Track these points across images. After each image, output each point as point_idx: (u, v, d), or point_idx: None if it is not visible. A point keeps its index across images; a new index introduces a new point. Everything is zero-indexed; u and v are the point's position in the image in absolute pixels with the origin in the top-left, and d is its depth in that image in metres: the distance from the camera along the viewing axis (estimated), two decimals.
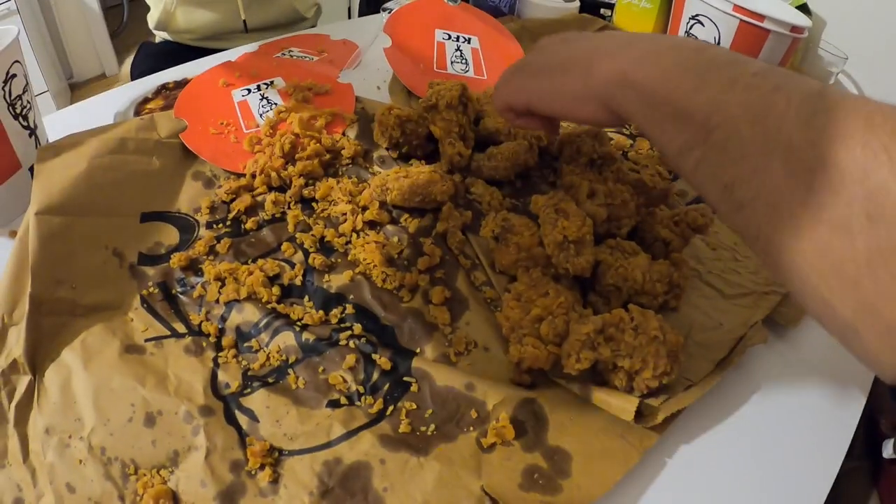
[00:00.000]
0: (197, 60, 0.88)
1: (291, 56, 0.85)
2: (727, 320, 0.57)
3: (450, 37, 0.87)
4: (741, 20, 0.83)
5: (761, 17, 0.82)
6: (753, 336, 0.55)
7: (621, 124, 0.51)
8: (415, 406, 0.48)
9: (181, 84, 0.80)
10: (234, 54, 0.87)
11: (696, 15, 0.88)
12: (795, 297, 0.36)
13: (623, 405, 0.47)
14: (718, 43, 0.88)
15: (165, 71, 0.86)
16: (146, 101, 0.80)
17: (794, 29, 0.84)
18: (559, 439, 0.47)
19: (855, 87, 0.96)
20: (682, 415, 0.49)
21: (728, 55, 0.39)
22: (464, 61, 0.85)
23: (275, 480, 0.45)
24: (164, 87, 0.82)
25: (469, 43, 0.87)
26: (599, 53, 0.45)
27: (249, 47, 0.90)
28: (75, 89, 2.52)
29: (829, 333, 0.35)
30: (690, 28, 0.90)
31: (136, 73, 1.17)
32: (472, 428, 0.47)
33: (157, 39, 1.28)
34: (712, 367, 0.53)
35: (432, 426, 0.47)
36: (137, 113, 0.78)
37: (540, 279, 0.52)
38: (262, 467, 0.45)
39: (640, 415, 0.48)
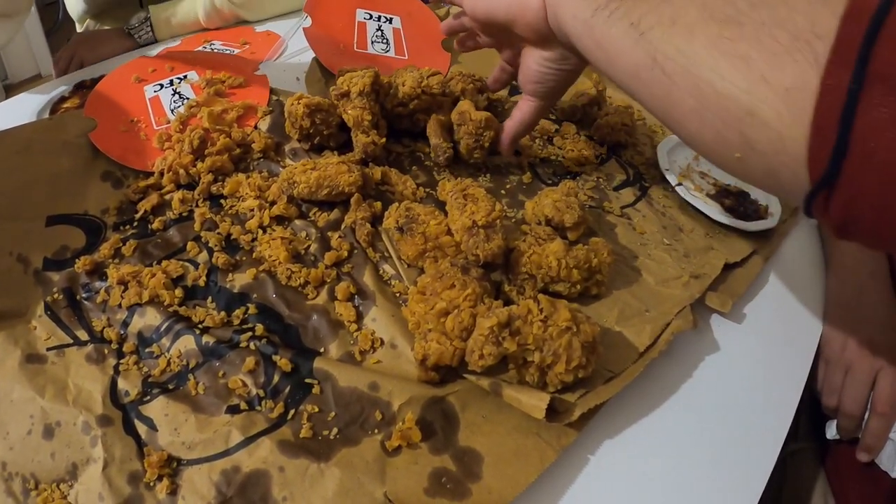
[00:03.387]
0: (118, 56, 0.85)
1: (213, 49, 0.83)
2: (654, 306, 0.55)
3: (371, 16, 0.85)
4: None
5: None
6: (681, 322, 0.53)
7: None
8: (317, 409, 0.46)
9: (98, 81, 0.77)
10: (155, 48, 0.84)
11: None
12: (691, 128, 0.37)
13: (534, 403, 0.45)
14: None
15: (85, 69, 0.83)
16: (63, 99, 0.77)
17: None
18: (470, 439, 0.45)
19: None
20: (605, 408, 0.48)
21: None
22: (385, 41, 0.83)
23: (173, 492, 0.43)
24: (81, 84, 0.79)
25: (390, 23, 0.86)
26: None
27: (171, 42, 0.87)
28: (10, 90, 2.41)
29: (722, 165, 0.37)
30: None
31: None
32: (376, 430, 0.45)
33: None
34: (636, 357, 0.51)
35: (335, 430, 0.45)
36: (54, 112, 0.75)
37: (447, 270, 0.49)
38: (159, 478, 0.43)
39: (554, 411, 0.46)
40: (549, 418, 0.45)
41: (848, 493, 0.66)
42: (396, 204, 0.57)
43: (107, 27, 1.09)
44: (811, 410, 0.69)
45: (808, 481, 0.70)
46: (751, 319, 0.58)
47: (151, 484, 0.43)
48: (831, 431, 0.65)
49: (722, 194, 0.70)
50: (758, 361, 0.55)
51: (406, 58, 0.82)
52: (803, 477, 0.70)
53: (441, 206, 0.56)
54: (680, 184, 0.69)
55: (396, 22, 0.86)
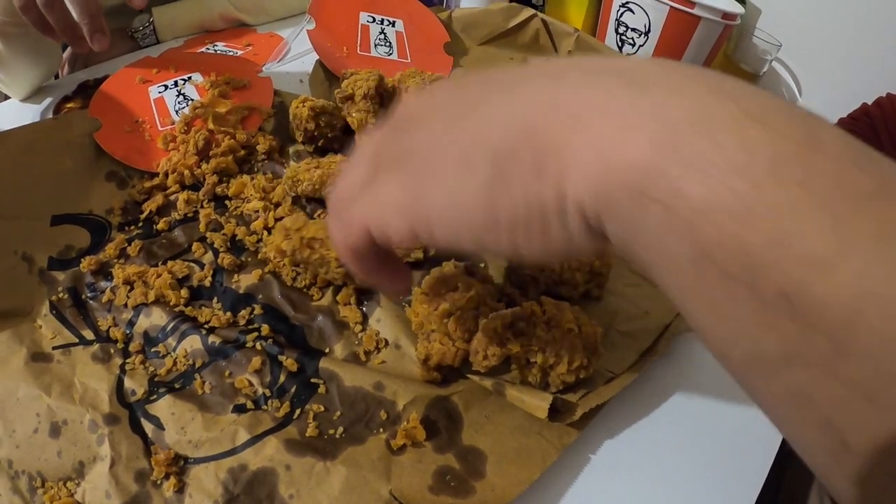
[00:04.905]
0: (121, 57, 0.85)
1: (216, 50, 0.83)
2: (653, 308, 0.55)
3: (374, 19, 0.86)
4: (671, 6, 0.82)
5: (692, 3, 0.82)
6: (681, 323, 0.53)
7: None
8: (323, 408, 0.47)
9: (101, 82, 0.77)
10: (158, 49, 0.85)
11: (627, 2, 0.87)
12: None
13: (537, 403, 0.46)
14: (648, 31, 0.87)
15: (87, 69, 0.84)
16: (66, 99, 0.78)
17: (726, 16, 0.84)
18: (474, 438, 0.46)
19: (789, 74, 0.96)
20: (606, 408, 0.48)
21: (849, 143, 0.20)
22: (388, 44, 0.84)
23: (180, 490, 0.43)
24: (84, 84, 0.79)
25: (393, 26, 0.86)
26: (564, 107, 0.23)
27: (174, 42, 0.88)
28: None
29: None
30: (621, 16, 0.89)
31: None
32: (381, 429, 0.46)
33: None
34: (636, 358, 0.51)
35: (340, 429, 0.46)
36: (57, 112, 0.76)
37: (451, 271, 0.50)
38: (167, 476, 0.44)
39: (556, 411, 0.46)
40: (552, 418, 0.46)
41: None
42: None
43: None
44: None
45: (805, 482, 0.70)
46: None
47: (158, 482, 0.43)
48: None
49: None
50: None
51: (409, 61, 0.83)
52: (800, 477, 0.71)
53: None
54: None
55: (399, 25, 0.87)
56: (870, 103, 0.81)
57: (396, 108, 0.30)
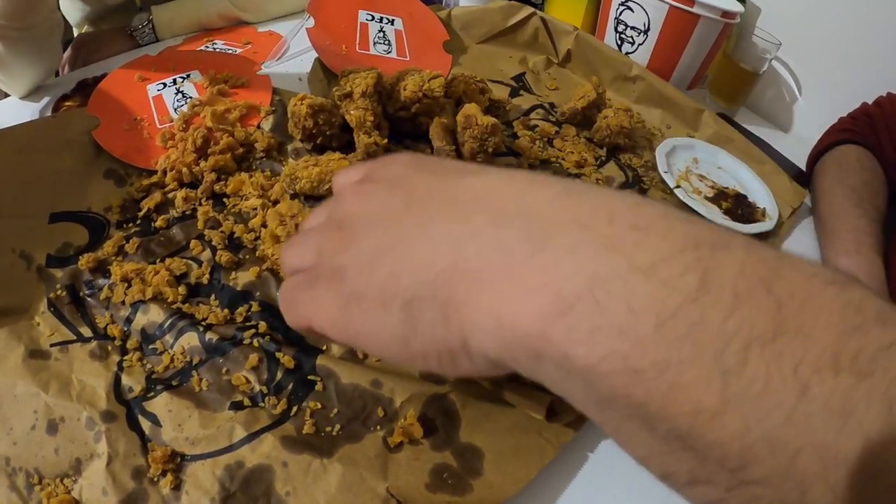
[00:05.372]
0: (121, 55, 0.85)
1: (215, 48, 0.83)
2: None
3: (373, 17, 0.86)
4: (670, 5, 0.82)
5: (691, 1, 0.82)
6: None
7: None
8: (319, 405, 0.47)
9: (100, 80, 0.77)
10: (157, 47, 0.85)
11: (626, 1, 0.87)
12: None
13: (534, 404, 0.46)
14: (647, 29, 0.87)
15: (86, 67, 0.84)
16: (65, 97, 0.78)
17: (726, 14, 0.84)
18: (471, 436, 0.46)
19: (789, 73, 0.96)
20: None
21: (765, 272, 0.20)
22: (386, 42, 0.84)
23: (177, 487, 0.43)
24: (83, 83, 0.79)
25: (392, 24, 0.86)
26: (468, 262, 0.24)
27: (173, 41, 0.88)
28: None
29: None
30: (620, 14, 0.89)
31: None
32: (378, 427, 0.46)
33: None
34: None
35: (337, 426, 0.46)
36: (56, 110, 0.76)
37: None
38: (163, 473, 0.44)
39: (553, 412, 0.46)
40: (549, 419, 0.46)
41: None
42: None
43: (107, 28, 1.09)
44: None
45: None
46: None
47: (155, 479, 0.43)
48: None
49: (720, 196, 0.71)
50: None
51: (408, 59, 0.83)
52: None
53: None
54: (678, 186, 0.69)
55: (398, 23, 0.87)
56: (870, 103, 0.81)
57: (335, 200, 0.32)
